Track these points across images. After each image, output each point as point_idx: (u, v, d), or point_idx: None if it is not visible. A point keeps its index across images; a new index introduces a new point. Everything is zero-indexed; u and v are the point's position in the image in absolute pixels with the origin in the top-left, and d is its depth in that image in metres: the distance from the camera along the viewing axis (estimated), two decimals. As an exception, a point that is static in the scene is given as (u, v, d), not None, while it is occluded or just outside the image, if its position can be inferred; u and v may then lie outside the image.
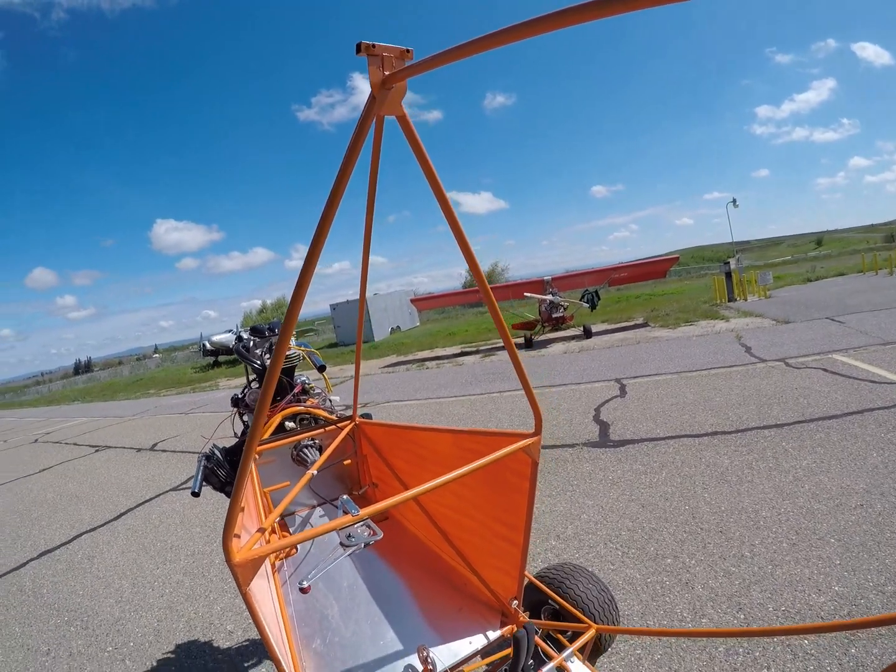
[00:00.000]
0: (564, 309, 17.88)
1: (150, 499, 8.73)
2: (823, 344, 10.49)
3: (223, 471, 2.82)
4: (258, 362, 2.97)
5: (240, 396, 3.16)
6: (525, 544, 2.31)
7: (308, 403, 3.07)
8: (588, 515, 5.03)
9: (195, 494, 2.61)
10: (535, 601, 2.74)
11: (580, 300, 18.39)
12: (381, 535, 1.94)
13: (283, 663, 1.63)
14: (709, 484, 5.05)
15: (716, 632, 2.13)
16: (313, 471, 2.43)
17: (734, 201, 42.10)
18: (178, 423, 16.68)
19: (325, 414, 3.09)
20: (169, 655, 4.29)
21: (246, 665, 4.03)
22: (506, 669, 1.99)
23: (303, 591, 1.85)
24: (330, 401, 3.23)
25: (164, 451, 12.48)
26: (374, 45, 1.07)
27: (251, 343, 3.03)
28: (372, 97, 1.12)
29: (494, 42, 0.88)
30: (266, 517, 2.37)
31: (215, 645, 4.34)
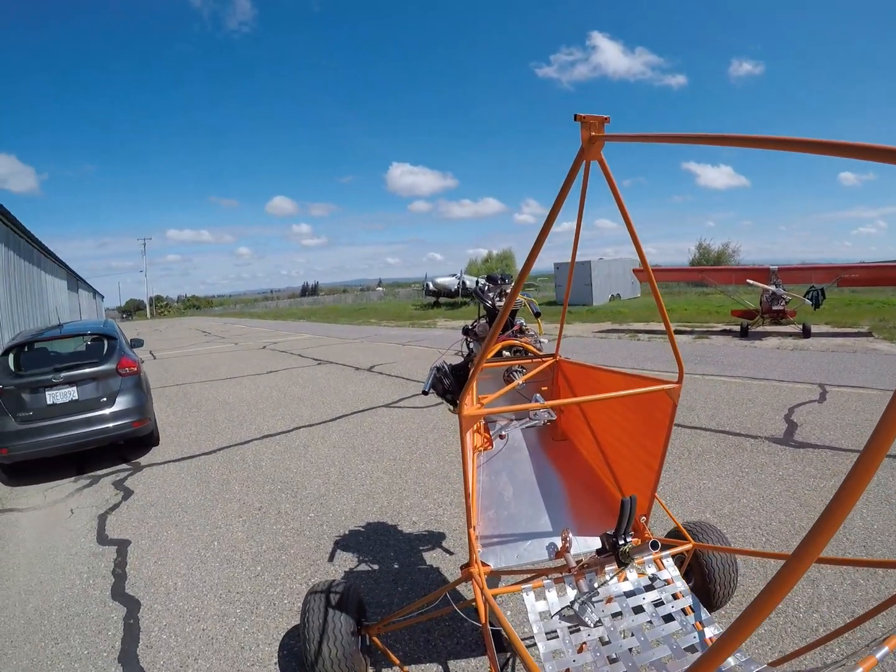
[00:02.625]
0: (786, 303, 16.70)
1: (364, 410, 10.04)
2: None
3: (447, 381, 3.65)
4: (490, 303, 3.74)
5: (470, 327, 3.97)
6: (658, 470, 2.88)
7: (522, 340, 3.84)
8: (747, 500, 5.32)
9: (425, 393, 3.54)
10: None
11: (804, 296, 17.27)
12: (555, 417, 2.83)
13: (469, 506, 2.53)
14: (871, 502, 5.08)
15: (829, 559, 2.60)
16: (519, 382, 3.25)
17: None
18: (395, 351, 18.37)
19: (534, 349, 3.82)
20: (359, 528, 5.24)
21: (422, 548, 4.84)
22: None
23: (501, 437, 2.86)
24: (539, 342, 3.95)
25: (380, 373, 13.96)
26: (584, 116, 1.72)
27: (486, 287, 3.79)
28: (581, 149, 1.75)
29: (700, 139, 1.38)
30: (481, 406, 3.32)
31: (400, 529, 5.20)
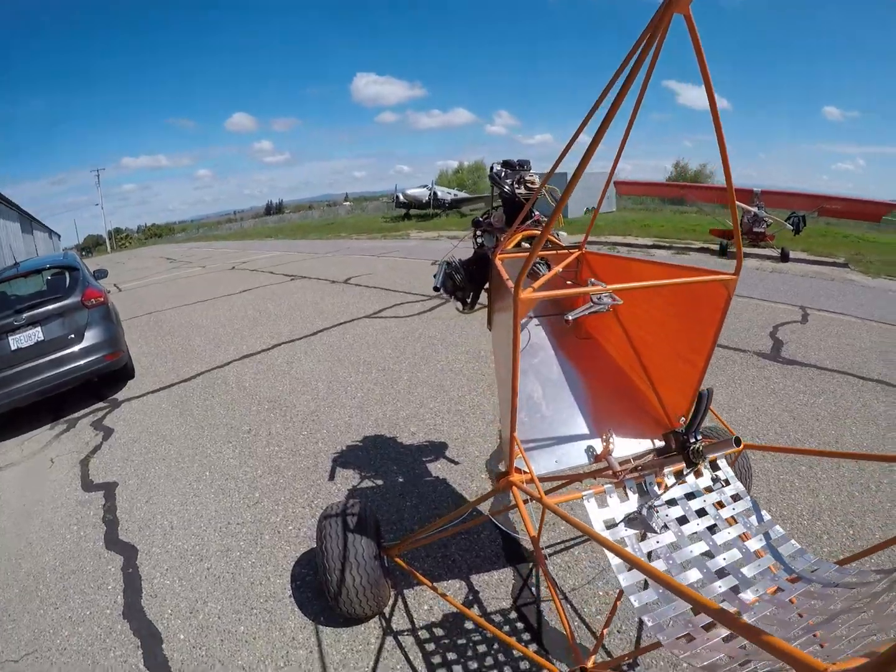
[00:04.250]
0: (767, 226, 16.89)
1: (345, 322, 9.72)
2: None
3: (459, 276, 3.42)
4: (508, 188, 3.37)
5: (480, 219, 3.61)
6: (704, 367, 2.64)
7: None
8: (742, 411, 5.37)
9: (436, 289, 3.40)
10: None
11: (786, 221, 17.45)
12: (621, 302, 2.45)
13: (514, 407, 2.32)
14: (858, 421, 5.18)
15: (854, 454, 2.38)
16: (542, 281, 2.84)
17: None
18: (370, 262, 17.95)
19: (557, 241, 3.48)
20: (357, 443, 4.99)
21: (424, 460, 4.63)
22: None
23: (567, 321, 2.49)
24: (557, 234, 3.64)
25: (357, 285, 13.58)
26: None
27: (503, 173, 3.41)
28: None
29: None
30: None
31: (399, 440, 4.97)
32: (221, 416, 6.09)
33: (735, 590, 1.99)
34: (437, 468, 4.52)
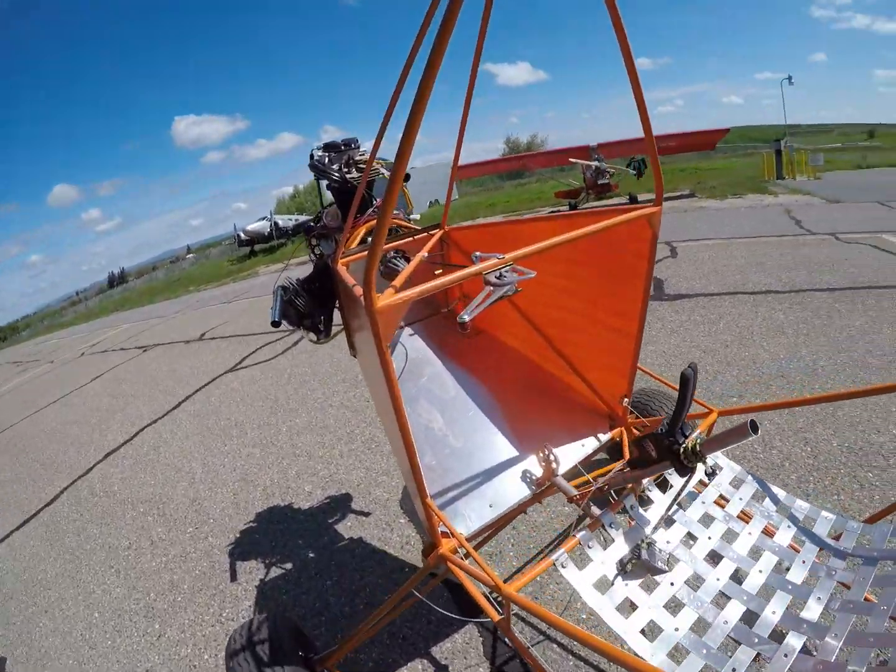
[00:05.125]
0: (610, 176, 18.04)
1: (207, 384, 8.94)
2: (873, 224, 10.62)
3: (301, 300, 2.79)
4: (336, 175, 2.81)
5: (312, 224, 3.04)
6: (639, 332, 2.22)
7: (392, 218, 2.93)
8: (651, 360, 5.25)
9: (275, 324, 2.75)
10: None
11: (627, 167, 18.37)
12: (533, 273, 1.79)
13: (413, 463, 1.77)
14: (767, 335, 5.36)
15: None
16: (403, 277, 2.22)
17: (789, 78, 40.38)
18: (222, 312, 17.03)
19: (410, 225, 3.01)
20: (251, 525, 4.37)
21: (331, 521, 4.08)
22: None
23: (463, 325, 1.71)
24: (409, 218, 3.13)
25: (213, 338, 12.76)
26: None
27: (326, 159, 2.86)
28: None
29: None
30: None
31: (296, 506, 4.40)
32: (96, 536, 5.23)
33: (793, 611, 1.57)
34: (348, 527, 3.99)
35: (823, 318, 5.71)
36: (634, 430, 2.53)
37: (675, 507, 1.86)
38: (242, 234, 38.73)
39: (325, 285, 2.82)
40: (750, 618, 1.57)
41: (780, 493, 1.97)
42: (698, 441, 1.66)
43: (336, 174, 2.80)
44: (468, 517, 2.10)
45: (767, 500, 1.95)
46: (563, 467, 2.17)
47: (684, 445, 1.65)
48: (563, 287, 2.47)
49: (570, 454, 2.29)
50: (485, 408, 2.55)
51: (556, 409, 2.57)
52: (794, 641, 1.46)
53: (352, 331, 2.62)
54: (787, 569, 1.71)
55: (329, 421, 5.81)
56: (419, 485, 1.84)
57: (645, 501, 1.91)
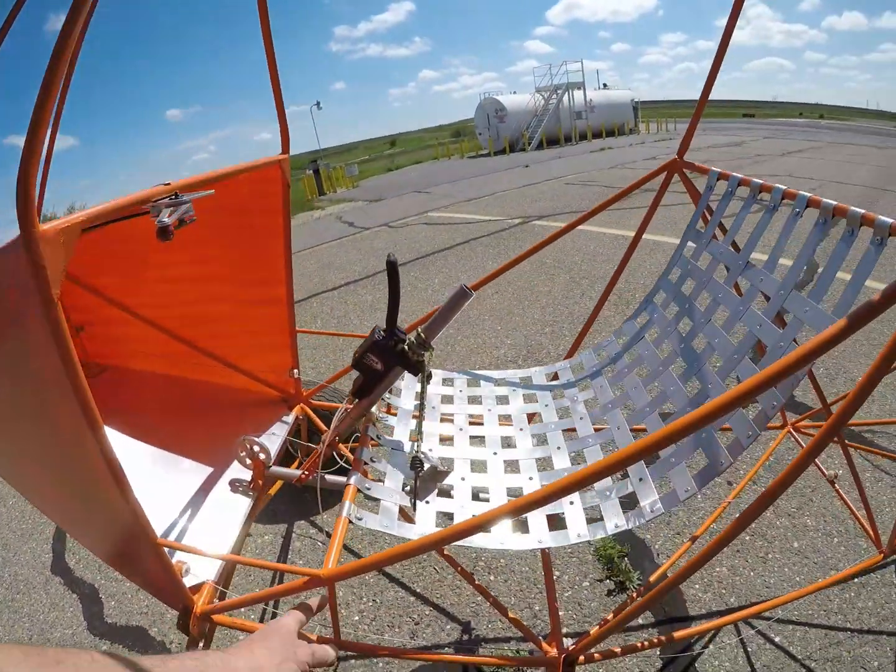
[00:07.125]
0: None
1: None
2: (418, 208, 12.95)
3: None
4: None
5: None
6: (289, 295, 2.12)
7: None
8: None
9: None
10: None
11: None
12: (211, 192, 1.45)
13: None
14: (363, 315, 6.14)
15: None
16: None
17: (318, 104, 46.18)
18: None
19: None
20: None
21: None
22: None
23: (165, 231, 1.27)
24: None
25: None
26: None
27: None
28: None
29: None
30: None
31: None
32: None
33: (572, 435, 1.84)
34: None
35: (406, 287, 6.46)
36: (313, 401, 2.42)
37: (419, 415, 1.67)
38: None
39: None
40: (546, 464, 1.76)
41: (489, 373, 2.16)
42: (419, 330, 1.56)
43: None
44: (199, 562, 1.57)
45: (483, 383, 2.13)
46: (273, 456, 1.97)
47: (407, 340, 1.54)
48: (195, 276, 2.12)
49: (271, 448, 1.96)
50: (140, 454, 2.07)
51: (228, 417, 2.35)
52: (593, 454, 1.73)
53: None
54: (540, 414, 1.93)
55: None
56: (143, 524, 1.30)
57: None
